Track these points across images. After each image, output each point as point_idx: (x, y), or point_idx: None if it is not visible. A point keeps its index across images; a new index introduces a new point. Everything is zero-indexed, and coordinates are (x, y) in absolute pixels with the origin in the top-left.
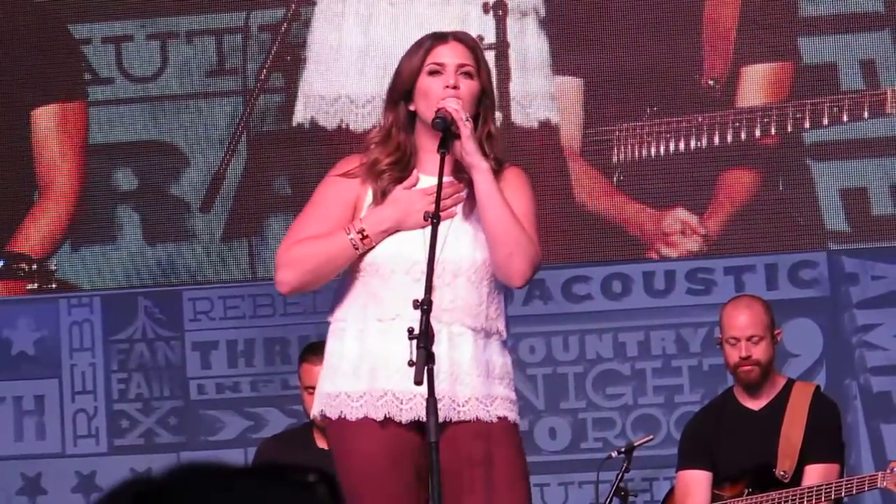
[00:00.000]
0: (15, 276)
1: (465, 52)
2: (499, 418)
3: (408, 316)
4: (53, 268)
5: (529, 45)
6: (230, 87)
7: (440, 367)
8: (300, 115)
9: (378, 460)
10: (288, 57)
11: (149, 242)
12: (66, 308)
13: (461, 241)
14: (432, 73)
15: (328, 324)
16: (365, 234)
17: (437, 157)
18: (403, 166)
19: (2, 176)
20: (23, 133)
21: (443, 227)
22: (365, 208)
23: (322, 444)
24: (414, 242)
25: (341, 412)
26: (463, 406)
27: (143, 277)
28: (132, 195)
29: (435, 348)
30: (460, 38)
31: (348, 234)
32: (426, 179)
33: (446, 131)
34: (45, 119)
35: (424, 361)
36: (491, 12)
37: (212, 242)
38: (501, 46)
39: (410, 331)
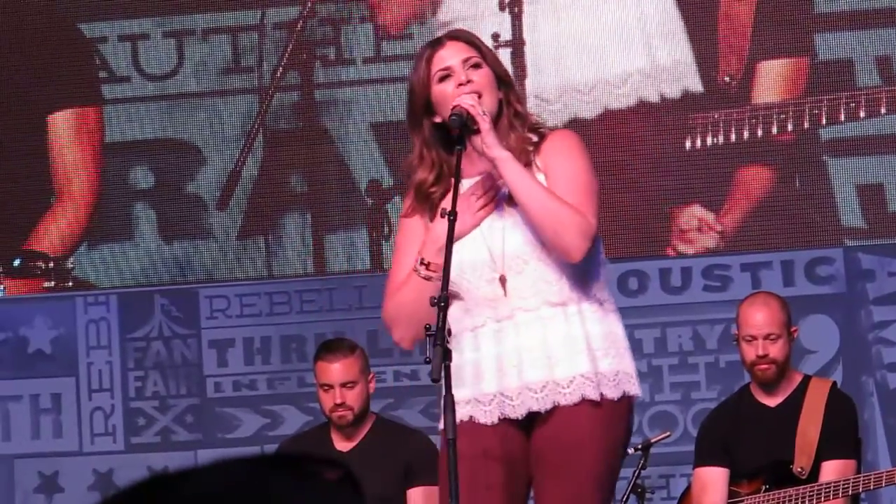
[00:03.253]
0: (32, 275)
1: (464, 47)
2: (601, 397)
3: (492, 318)
4: (70, 266)
5: (545, 40)
6: (246, 85)
7: (534, 355)
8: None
9: (481, 457)
10: (304, 55)
11: (165, 240)
12: (83, 306)
13: (517, 228)
14: (442, 79)
15: (353, 322)
16: (426, 261)
17: (477, 159)
18: (447, 178)
19: (19, 176)
20: (39, 134)
21: (497, 222)
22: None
23: (340, 445)
24: (475, 245)
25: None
26: (567, 388)
27: (159, 275)
28: (148, 193)
29: (526, 336)
30: (455, 36)
31: (416, 271)
32: (468, 183)
33: (463, 128)
34: (61, 124)
35: (441, 358)
36: (507, 9)
37: (228, 240)
38: (517, 43)
39: (427, 328)
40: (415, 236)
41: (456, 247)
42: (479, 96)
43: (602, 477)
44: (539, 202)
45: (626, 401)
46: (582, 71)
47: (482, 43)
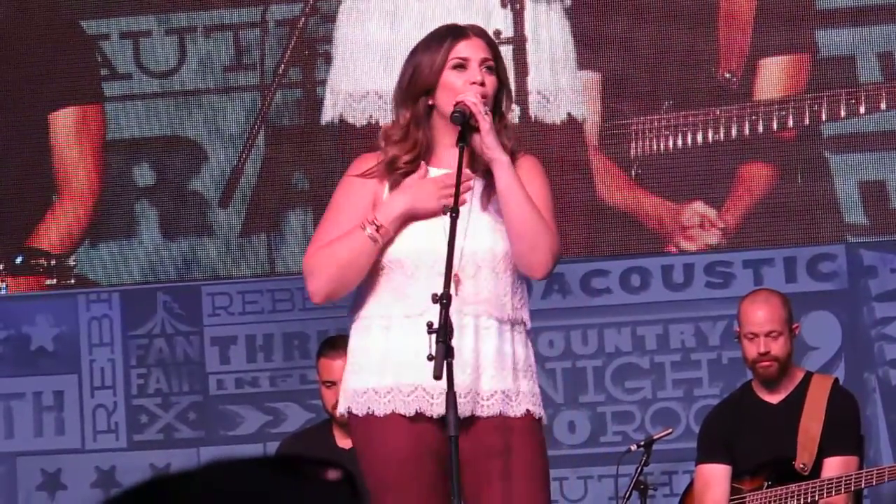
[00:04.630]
0: (34, 272)
1: (485, 47)
2: (523, 413)
3: (434, 311)
4: (72, 263)
5: (548, 38)
6: (248, 82)
7: (466, 360)
8: (328, 113)
9: (405, 455)
10: (306, 52)
11: (167, 238)
12: (85, 303)
13: (482, 233)
14: (456, 67)
15: (347, 319)
16: (379, 224)
17: (454, 150)
18: (419, 162)
19: (20, 173)
20: (40, 131)
21: (462, 219)
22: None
23: (342, 442)
24: (436, 237)
25: (369, 408)
26: (487, 400)
27: (161, 273)
28: (150, 190)
29: (461, 341)
30: (479, 33)
31: (364, 229)
32: (436, 173)
33: (465, 125)
34: (63, 122)
35: (444, 356)
36: (509, 5)
37: (230, 237)
38: (519, 40)
39: (430, 325)
40: (362, 198)
41: (419, 232)
42: (485, 101)
43: (543, 478)
44: (525, 213)
45: (540, 422)
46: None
47: (498, 50)
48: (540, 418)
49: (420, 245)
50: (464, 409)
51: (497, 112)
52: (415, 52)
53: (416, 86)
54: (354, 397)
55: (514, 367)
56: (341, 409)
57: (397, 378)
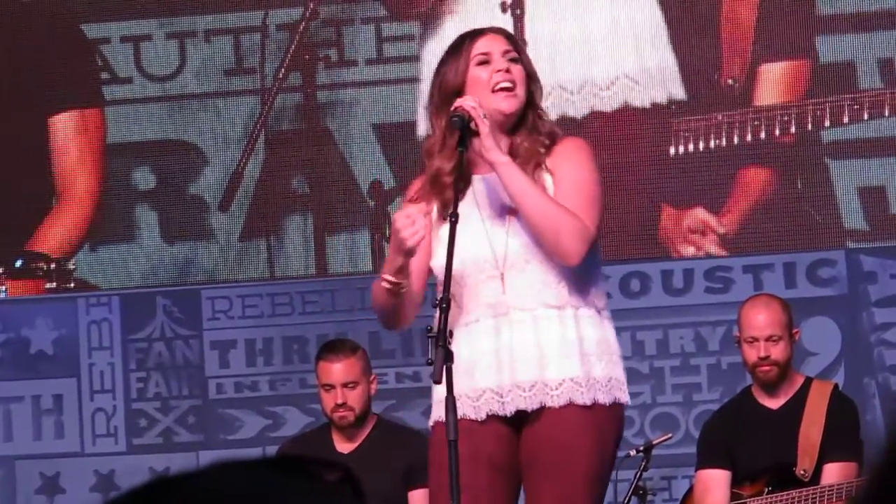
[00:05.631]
0: (33, 276)
1: (503, 40)
2: (591, 402)
3: (488, 314)
4: (72, 267)
5: (545, 41)
6: (248, 86)
7: (526, 353)
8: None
9: (468, 458)
10: (306, 56)
11: (167, 241)
12: (85, 307)
13: (521, 231)
14: (480, 63)
15: (355, 323)
16: (387, 278)
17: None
18: (463, 170)
19: (20, 177)
20: (40, 135)
21: (500, 222)
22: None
23: (341, 446)
24: (478, 242)
25: (440, 416)
26: (556, 390)
27: (161, 276)
28: (150, 194)
29: (520, 335)
30: (495, 29)
31: (381, 282)
32: (477, 180)
33: (464, 129)
34: (63, 126)
35: (444, 360)
36: (509, 11)
37: (230, 241)
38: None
39: (429, 329)
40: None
41: (462, 242)
42: (514, 87)
43: (594, 479)
44: (537, 206)
45: (618, 407)
46: (600, 68)
47: (520, 44)
48: (612, 404)
49: (463, 255)
50: (531, 403)
51: (531, 104)
52: (438, 66)
53: (445, 92)
54: (435, 408)
55: (581, 352)
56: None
57: (466, 384)
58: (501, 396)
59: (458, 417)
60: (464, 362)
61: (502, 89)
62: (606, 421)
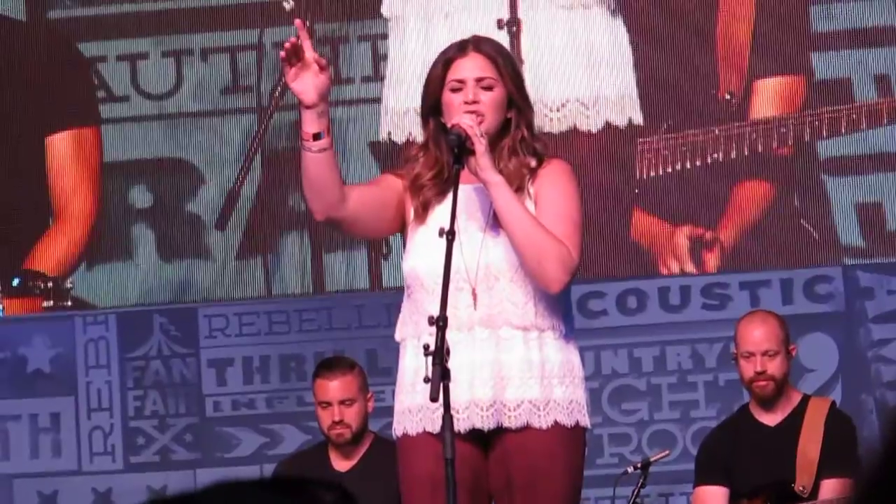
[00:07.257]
0: (31, 294)
1: (484, 63)
2: (551, 425)
3: (452, 327)
4: (69, 285)
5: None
6: (245, 105)
7: (486, 372)
8: (383, 131)
9: (437, 476)
10: None
11: (164, 260)
12: (82, 326)
13: (498, 245)
14: (454, 89)
15: (352, 340)
16: (311, 133)
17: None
18: (443, 178)
19: (17, 196)
20: (37, 154)
21: (477, 234)
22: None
23: (338, 464)
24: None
25: (404, 428)
26: (514, 411)
27: (158, 295)
28: (147, 213)
29: (481, 354)
30: (480, 48)
31: (307, 149)
32: (461, 189)
33: (461, 147)
34: (60, 145)
35: (440, 378)
36: (505, 28)
37: (227, 260)
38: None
39: (426, 347)
40: (387, 187)
41: (434, 251)
42: (481, 120)
43: (569, 498)
44: (525, 231)
45: (580, 430)
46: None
47: (505, 62)
48: (574, 427)
49: (438, 262)
50: (487, 422)
51: (512, 123)
52: (427, 74)
53: (426, 104)
54: (397, 418)
55: (543, 376)
56: (397, 433)
57: (426, 396)
58: (458, 412)
59: (420, 431)
60: (425, 372)
61: None
62: (571, 441)
